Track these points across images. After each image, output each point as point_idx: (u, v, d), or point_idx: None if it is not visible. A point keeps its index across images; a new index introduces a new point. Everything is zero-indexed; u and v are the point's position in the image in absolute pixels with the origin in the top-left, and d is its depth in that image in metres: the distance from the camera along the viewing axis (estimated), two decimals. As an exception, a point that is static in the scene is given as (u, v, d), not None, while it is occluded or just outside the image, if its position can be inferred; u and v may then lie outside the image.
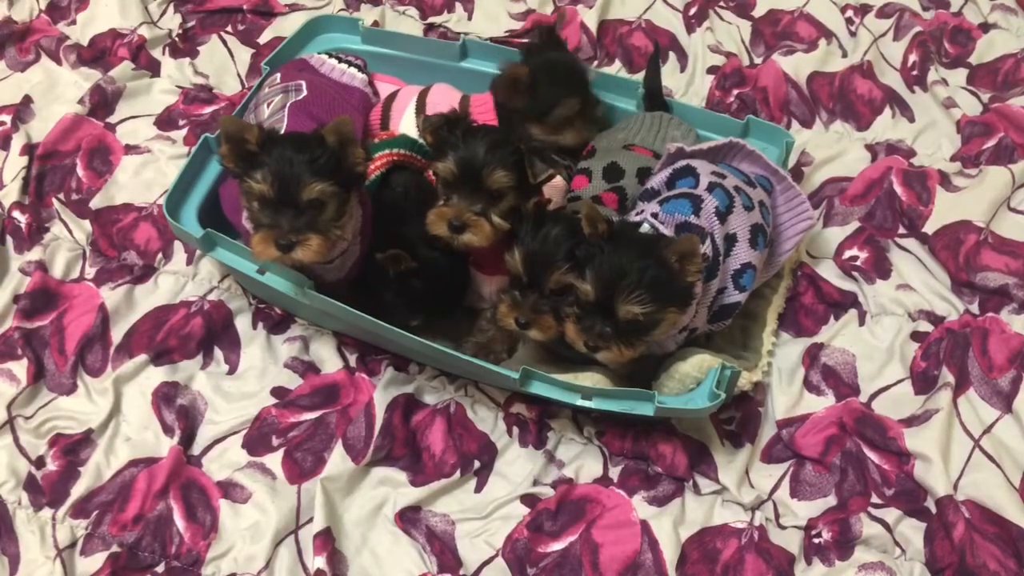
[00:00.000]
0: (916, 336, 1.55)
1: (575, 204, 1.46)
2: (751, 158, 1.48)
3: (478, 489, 1.39)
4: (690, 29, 2.09)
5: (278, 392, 1.48)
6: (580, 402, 1.32)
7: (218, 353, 1.54)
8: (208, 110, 1.89)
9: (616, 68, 2.02)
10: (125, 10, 2.05)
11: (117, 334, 1.54)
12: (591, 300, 1.24)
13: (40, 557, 1.30)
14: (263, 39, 2.05)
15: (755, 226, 1.36)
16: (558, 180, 1.53)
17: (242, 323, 1.57)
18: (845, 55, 2.03)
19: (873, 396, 1.49)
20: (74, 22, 2.06)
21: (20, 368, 1.49)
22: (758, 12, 2.14)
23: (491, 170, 1.30)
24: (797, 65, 1.98)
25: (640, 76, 1.77)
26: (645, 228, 1.32)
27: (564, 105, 1.47)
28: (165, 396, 1.47)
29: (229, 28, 2.07)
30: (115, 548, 1.31)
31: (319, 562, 1.28)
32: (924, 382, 1.49)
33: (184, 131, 1.85)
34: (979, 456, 1.40)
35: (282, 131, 1.45)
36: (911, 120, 1.90)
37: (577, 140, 1.56)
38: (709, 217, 1.32)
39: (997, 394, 1.46)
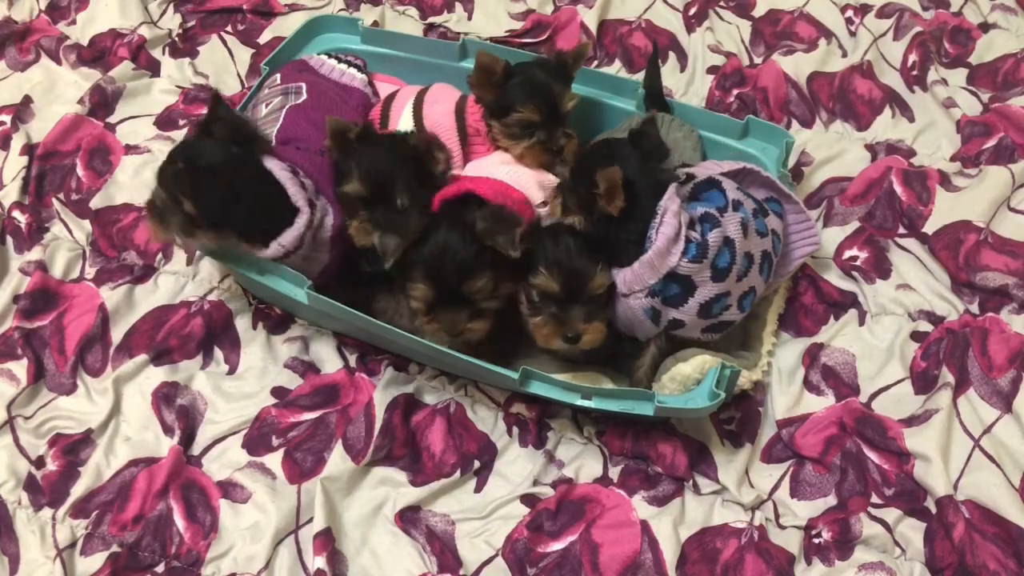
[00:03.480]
0: (916, 336, 1.55)
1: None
2: (761, 182, 1.48)
3: (478, 489, 1.39)
4: (690, 29, 2.09)
5: (278, 392, 1.48)
6: (580, 402, 1.32)
7: (218, 353, 1.54)
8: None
9: (616, 68, 2.03)
10: (125, 10, 2.05)
11: (117, 334, 1.55)
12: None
13: (40, 557, 1.31)
14: (263, 39, 2.05)
15: (764, 253, 1.38)
16: (557, 181, 1.53)
17: (242, 323, 1.57)
18: (845, 55, 2.03)
19: (873, 396, 1.49)
20: (74, 22, 2.06)
21: (20, 368, 1.49)
22: (758, 12, 2.14)
23: (472, 282, 1.29)
24: (797, 65, 1.98)
25: (640, 76, 1.77)
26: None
27: (522, 110, 1.46)
28: (165, 396, 1.47)
29: (229, 28, 2.07)
30: (115, 548, 1.31)
31: (319, 562, 1.28)
32: (924, 382, 1.49)
33: (184, 131, 1.85)
34: (979, 456, 1.40)
35: (275, 132, 1.47)
36: (911, 120, 1.90)
37: (530, 162, 1.51)
38: (731, 219, 1.33)
39: (997, 394, 1.46)
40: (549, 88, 1.46)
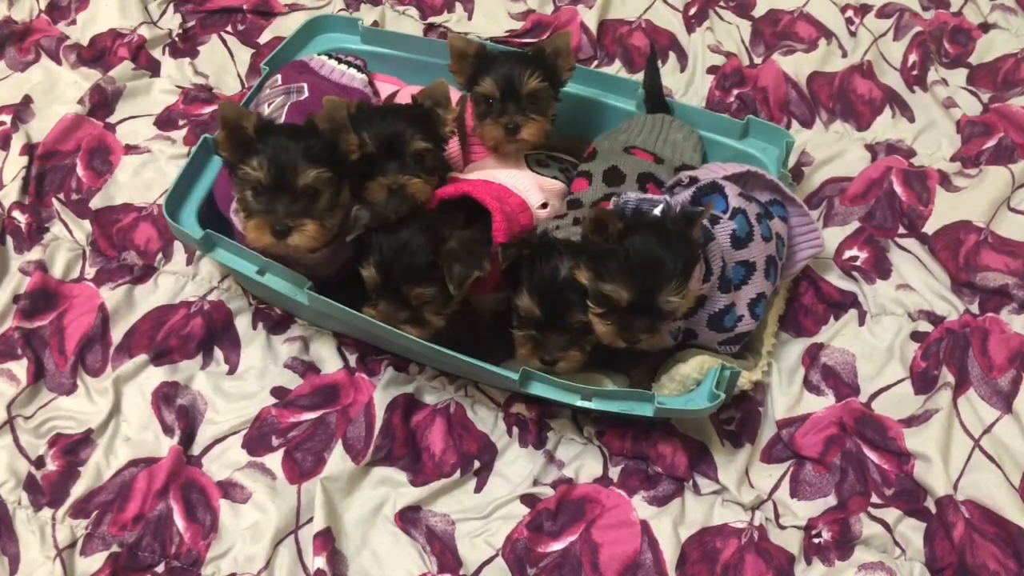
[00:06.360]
0: (916, 336, 1.55)
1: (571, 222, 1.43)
2: (764, 184, 1.48)
3: (478, 489, 1.39)
4: (690, 29, 2.09)
5: (278, 392, 1.48)
6: (580, 403, 1.32)
7: (218, 353, 1.54)
8: (208, 110, 1.89)
9: (616, 68, 2.03)
10: (125, 10, 2.05)
11: (117, 334, 1.54)
12: (626, 300, 1.22)
13: (40, 557, 1.31)
14: (263, 39, 2.05)
15: (769, 258, 1.38)
16: (556, 184, 1.53)
17: (242, 323, 1.57)
18: (845, 55, 2.03)
19: (873, 396, 1.49)
20: (74, 22, 2.06)
21: (20, 368, 1.49)
22: (758, 12, 2.14)
23: (412, 287, 1.29)
24: (797, 65, 1.98)
25: (640, 76, 1.77)
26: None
27: (481, 84, 1.49)
28: (165, 396, 1.47)
29: (229, 28, 2.07)
30: (115, 548, 1.31)
31: (319, 562, 1.28)
32: (924, 382, 1.49)
33: (184, 131, 1.85)
34: (979, 456, 1.40)
35: None
36: (911, 120, 1.90)
37: (487, 140, 1.53)
38: (723, 229, 1.34)
39: (997, 394, 1.46)
40: (510, 67, 1.48)
